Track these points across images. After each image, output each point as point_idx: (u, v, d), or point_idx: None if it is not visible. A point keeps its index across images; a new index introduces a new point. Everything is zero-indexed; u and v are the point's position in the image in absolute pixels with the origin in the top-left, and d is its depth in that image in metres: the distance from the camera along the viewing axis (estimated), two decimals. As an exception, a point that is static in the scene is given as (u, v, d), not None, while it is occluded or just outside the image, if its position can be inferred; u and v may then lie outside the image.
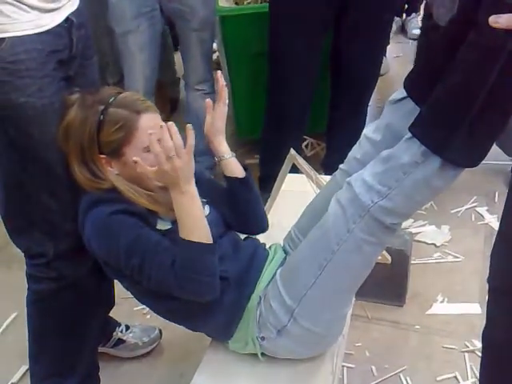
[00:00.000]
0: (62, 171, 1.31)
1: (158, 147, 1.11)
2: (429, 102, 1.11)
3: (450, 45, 1.09)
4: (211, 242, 1.19)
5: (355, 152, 1.37)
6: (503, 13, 0.93)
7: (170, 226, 1.28)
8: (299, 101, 2.29)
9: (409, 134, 1.12)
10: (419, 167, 1.11)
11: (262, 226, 1.46)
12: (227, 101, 1.39)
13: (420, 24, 3.22)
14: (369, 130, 1.35)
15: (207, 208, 1.37)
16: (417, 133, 1.10)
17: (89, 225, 1.24)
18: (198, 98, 2.62)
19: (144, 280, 1.22)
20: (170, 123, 1.12)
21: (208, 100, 1.40)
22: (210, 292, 1.22)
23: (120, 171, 1.27)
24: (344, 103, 2.40)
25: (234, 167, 1.41)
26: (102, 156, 1.25)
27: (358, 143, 1.38)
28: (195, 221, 1.18)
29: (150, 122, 1.25)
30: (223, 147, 1.42)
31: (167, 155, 1.12)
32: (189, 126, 1.15)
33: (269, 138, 2.43)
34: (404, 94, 1.25)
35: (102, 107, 1.24)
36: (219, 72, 1.39)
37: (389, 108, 1.30)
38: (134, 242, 1.20)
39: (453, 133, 1.06)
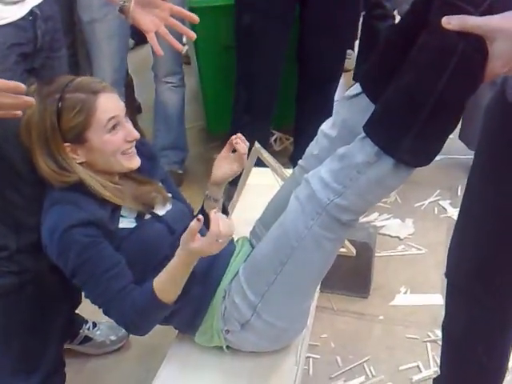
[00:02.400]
0: (25, 167, 1.30)
1: (218, 229, 1.11)
2: (381, 102, 1.12)
3: (404, 43, 1.10)
4: (174, 302, 1.21)
5: (313, 148, 1.38)
6: (455, 14, 0.95)
7: (134, 225, 1.28)
8: (266, 90, 2.32)
9: (363, 133, 1.13)
10: (372, 167, 1.12)
11: None
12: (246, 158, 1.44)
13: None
14: (326, 126, 1.36)
15: (169, 204, 1.37)
16: (370, 132, 1.11)
17: (46, 230, 1.23)
18: (167, 91, 2.62)
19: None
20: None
21: (232, 137, 1.40)
22: (141, 334, 1.26)
23: (86, 158, 1.26)
24: (310, 97, 2.43)
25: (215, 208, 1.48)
26: (67, 144, 1.24)
27: (315, 139, 1.39)
28: (180, 286, 1.20)
29: (108, 102, 1.24)
30: (219, 192, 1.46)
31: (218, 239, 1.12)
32: (234, 229, 1.15)
33: (237, 129, 2.44)
34: (359, 89, 1.26)
35: (58, 95, 1.23)
36: (239, 135, 1.41)
37: (344, 103, 1.31)
38: (80, 266, 1.20)
39: (404, 133, 1.07)
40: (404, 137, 1.07)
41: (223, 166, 1.42)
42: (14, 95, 0.98)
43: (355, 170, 1.13)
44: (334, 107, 1.38)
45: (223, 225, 1.11)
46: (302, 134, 2.57)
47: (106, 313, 1.23)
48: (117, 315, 1.21)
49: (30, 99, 1.00)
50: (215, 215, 1.12)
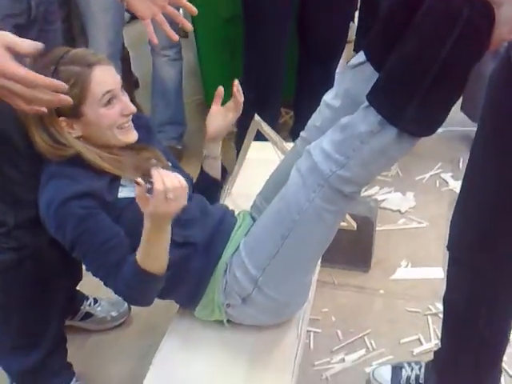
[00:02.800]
0: (21, 142, 1.28)
1: (162, 185, 1.04)
2: (384, 70, 1.10)
3: (409, 10, 1.07)
4: (165, 270, 1.17)
5: (315, 119, 1.36)
6: None
7: (133, 195, 1.26)
8: (274, 60, 2.28)
9: (366, 102, 1.11)
10: (376, 137, 1.10)
11: None
12: (241, 111, 1.42)
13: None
14: (328, 96, 1.34)
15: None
16: (373, 101, 1.09)
17: (43, 204, 1.22)
18: (164, 65, 2.58)
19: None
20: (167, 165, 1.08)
21: (220, 88, 1.39)
22: (142, 306, 1.24)
23: (83, 132, 1.24)
24: (311, 70, 2.40)
25: (215, 168, 1.47)
26: (62, 118, 1.21)
27: (317, 110, 1.37)
28: (161, 253, 1.15)
29: (104, 75, 1.21)
30: (217, 149, 1.46)
31: (166, 195, 1.05)
32: (183, 180, 1.08)
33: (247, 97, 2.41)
34: (364, 57, 1.24)
35: (53, 67, 1.20)
36: (237, 82, 1.39)
37: (348, 73, 1.28)
38: (78, 238, 1.18)
39: (408, 102, 1.06)
40: (407, 105, 1.06)
41: (216, 119, 1.40)
42: (52, 93, 0.96)
43: (358, 140, 1.12)
44: (336, 78, 1.36)
45: (167, 179, 1.05)
46: (303, 108, 2.54)
47: (106, 285, 1.22)
48: (114, 288, 1.20)
49: (67, 98, 0.97)
50: (155, 171, 1.06)
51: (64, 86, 0.96)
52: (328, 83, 2.44)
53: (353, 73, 1.27)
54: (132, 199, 1.24)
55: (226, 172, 1.51)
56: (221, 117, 1.41)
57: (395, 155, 1.15)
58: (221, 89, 1.38)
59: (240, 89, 1.38)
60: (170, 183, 1.04)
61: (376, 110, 1.09)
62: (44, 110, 0.98)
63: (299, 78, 2.49)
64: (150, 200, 1.05)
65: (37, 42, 0.95)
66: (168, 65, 2.58)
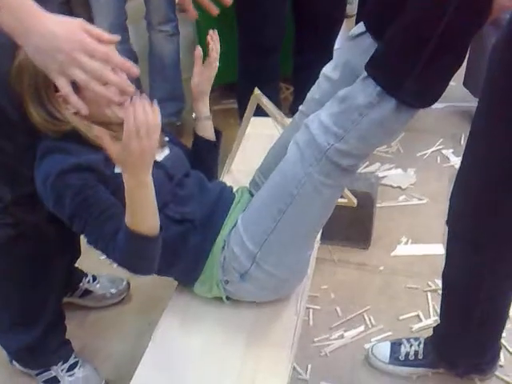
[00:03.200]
0: (15, 114, 1.25)
1: (132, 121, 1.00)
2: (383, 41, 1.08)
3: None
4: (158, 231, 1.14)
5: (314, 92, 1.34)
6: None
7: None
8: (274, 28, 2.25)
9: (365, 73, 1.09)
10: (375, 108, 1.09)
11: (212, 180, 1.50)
12: (217, 62, 1.43)
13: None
14: (327, 69, 1.32)
15: (167, 149, 1.34)
16: (372, 72, 1.08)
17: (39, 179, 1.20)
18: (162, 40, 2.54)
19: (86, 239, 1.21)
20: (143, 95, 1.03)
21: (198, 49, 1.40)
22: (144, 274, 1.20)
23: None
24: (308, 46, 2.36)
25: (208, 129, 1.47)
26: (59, 94, 1.20)
27: (316, 83, 1.34)
28: (148, 212, 1.11)
29: None
30: (205, 108, 1.46)
31: (138, 132, 1.00)
32: (155, 107, 1.03)
33: (245, 75, 2.38)
34: (363, 28, 1.22)
35: None
36: (211, 31, 1.39)
37: (347, 44, 1.26)
38: (75, 210, 1.16)
39: (407, 72, 1.04)
40: (407, 76, 1.04)
41: (198, 80, 1.42)
42: (121, 74, 0.96)
43: (357, 113, 1.10)
44: (336, 50, 1.34)
45: (138, 115, 0.99)
46: (302, 84, 2.50)
47: (108, 257, 1.19)
48: (113, 258, 1.17)
49: (131, 87, 0.96)
50: (128, 107, 1.00)
51: (135, 70, 0.95)
52: (325, 58, 2.41)
53: (353, 44, 1.25)
54: None
55: (219, 133, 1.50)
56: (202, 74, 1.42)
57: (394, 127, 1.14)
58: (199, 49, 1.40)
59: (216, 39, 1.39)
60: (141, 116, 1.00)
61: (375, 81, 1.07)
62: (111, 93, 0.97)
63: (296, 54, 2.47)
64: (122, 143, 1.01)
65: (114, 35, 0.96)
66: (165, 40, 2.54)
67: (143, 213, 1.10)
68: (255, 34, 2.26)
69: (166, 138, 1.37)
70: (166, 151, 1.34)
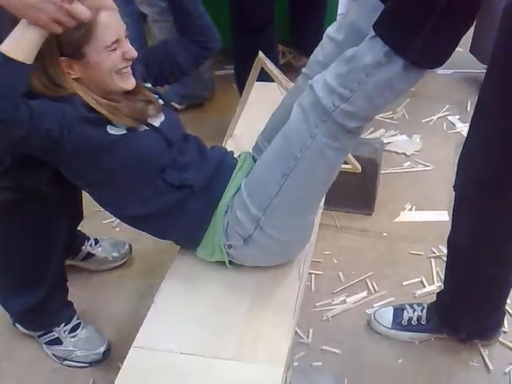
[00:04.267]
0: None
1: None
2: (392, 0, 1.05)
3: None
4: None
5: (317, 54, 1.31)
6: None
7: (123, 132, 1.23)
8: None
9: (372, 33, 1.06)
10: (382, 68, 1.07)
11: (215, 36, 1.47)
12: None
13: None
14: (331, 29, 1.28)
15: (162, 115, 1.32)
16: (380, 31, 1.05)
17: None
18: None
19: None
20: None
21: None
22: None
23: (81, 75, 1.21)
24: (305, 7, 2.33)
25: None
26: (63, 58, 1.18)
27: (320, 44, 1.31)
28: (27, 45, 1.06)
29: (111, 21, 1.18)
30: None
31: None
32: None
33: (239, 46, 2.34)
34: None
35: None
36: None
37: (353, 4, 1.23)
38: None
39: (415, 31, 1.02)
40: (415, 35, 1.02)
41: None
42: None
43: (363, 73, 1.08)
44: (339, 15, 1.30)
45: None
46: (303, 46, 2.47)
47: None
48: None
49: (87, 12, 1.07)
50: None
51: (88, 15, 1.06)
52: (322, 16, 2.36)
53: (358, 4, 1.21)
54: (121, 136, 1.22)
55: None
56: None
57: (401, 87, 1.11)
58: None
59: None
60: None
61: (383, 41, 1.05)
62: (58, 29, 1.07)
63: (293, 18, 2.43)
64: None
65: None
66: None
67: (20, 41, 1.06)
68: (245, 22, 2.25)
69: (161, 101, 1.34)
70: (162, 117, 1.32)
